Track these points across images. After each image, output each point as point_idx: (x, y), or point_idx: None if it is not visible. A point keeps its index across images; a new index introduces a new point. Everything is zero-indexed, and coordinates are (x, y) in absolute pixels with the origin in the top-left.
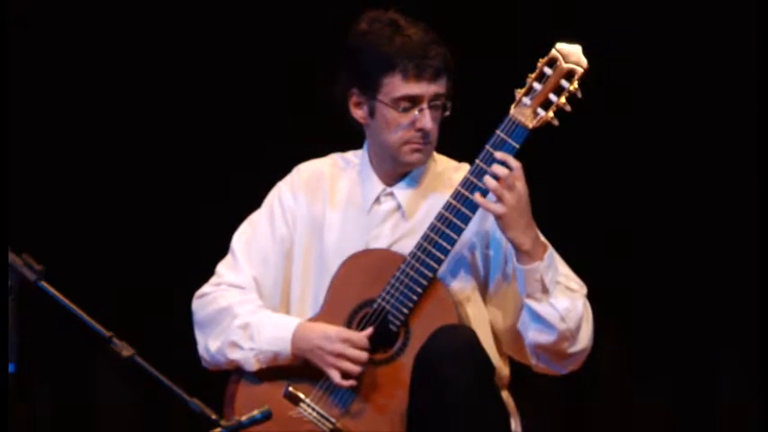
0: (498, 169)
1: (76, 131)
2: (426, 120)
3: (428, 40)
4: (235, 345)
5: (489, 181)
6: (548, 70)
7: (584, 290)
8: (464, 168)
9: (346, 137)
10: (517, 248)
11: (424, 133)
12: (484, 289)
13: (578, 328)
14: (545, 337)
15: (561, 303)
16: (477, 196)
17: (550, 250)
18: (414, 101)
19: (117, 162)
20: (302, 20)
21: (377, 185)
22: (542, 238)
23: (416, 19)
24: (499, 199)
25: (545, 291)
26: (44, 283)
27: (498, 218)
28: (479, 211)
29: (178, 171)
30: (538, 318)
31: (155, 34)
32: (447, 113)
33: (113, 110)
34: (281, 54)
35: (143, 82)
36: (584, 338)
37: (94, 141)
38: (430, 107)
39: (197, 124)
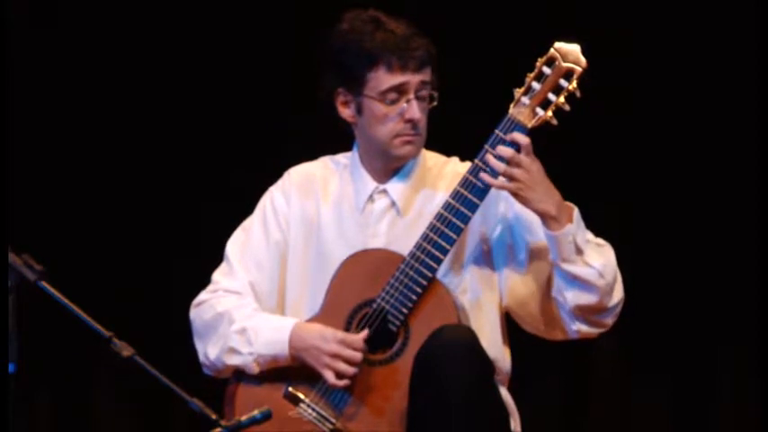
0: (503, 150)
1: (77, 131)
2: (414, 110)
3: (410, 32)
4: (233, 350)
5: (497, 164)
6: (546, 69)
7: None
8: (453, 162)
9: (346, 137)
10: (543, 217)
11: (413, 124)
12: (506, 274)
13: (615, 279)
14: (586, 298)
15: (597, 261)
16: (485, 176)
17: (576, 211)
18: (400, 92)
19: (117, 162)
20: (303, 19)
21: (369, 184)
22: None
23: (418, 19)
24: (510, 178)
25: (579, 252)
26: (44, 283)
27: (514, 195)
28: (485, 200)
29: (178, 171)
30: (575, 280)
31: (155, 35)
32: (434, 104)
33: (114, 110)
34: (283, 54)
35: (143, 82)
36: (620, 288)
37: (95, 141)
38: (417, 98)
39: (197, 124)
